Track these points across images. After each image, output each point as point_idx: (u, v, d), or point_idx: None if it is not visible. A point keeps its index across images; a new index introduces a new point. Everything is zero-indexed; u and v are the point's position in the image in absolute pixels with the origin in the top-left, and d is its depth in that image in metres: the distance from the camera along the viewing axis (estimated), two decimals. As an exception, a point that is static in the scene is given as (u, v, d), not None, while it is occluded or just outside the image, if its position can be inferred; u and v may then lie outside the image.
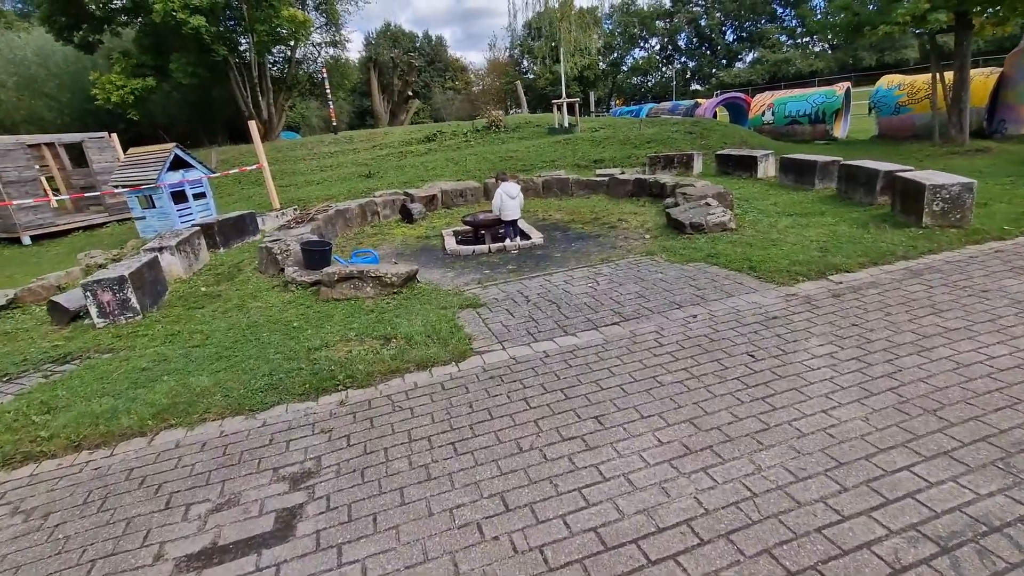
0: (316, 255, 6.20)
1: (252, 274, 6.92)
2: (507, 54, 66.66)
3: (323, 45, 29.78)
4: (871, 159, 8.73)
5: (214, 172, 12.25)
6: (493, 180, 9.88)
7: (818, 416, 2.89)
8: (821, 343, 3.73)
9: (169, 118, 27.34)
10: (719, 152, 11.81)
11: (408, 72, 30.07)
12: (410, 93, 30.30)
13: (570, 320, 4.59)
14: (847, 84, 16.09)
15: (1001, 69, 12.51)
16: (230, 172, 13.35)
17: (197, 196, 10.37)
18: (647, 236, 7.54)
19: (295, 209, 11.52)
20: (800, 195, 8.83)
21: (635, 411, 3.11)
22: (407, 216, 10.37)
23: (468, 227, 8.51)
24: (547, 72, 55.98)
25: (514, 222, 8.14)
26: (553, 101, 17.73)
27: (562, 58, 18.13)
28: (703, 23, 63.65)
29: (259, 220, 10.07)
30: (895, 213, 6.65)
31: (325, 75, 24.01)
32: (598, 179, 11.45)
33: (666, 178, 9.97)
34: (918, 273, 4.87)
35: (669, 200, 8.92)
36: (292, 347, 4.43)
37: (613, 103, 61.47)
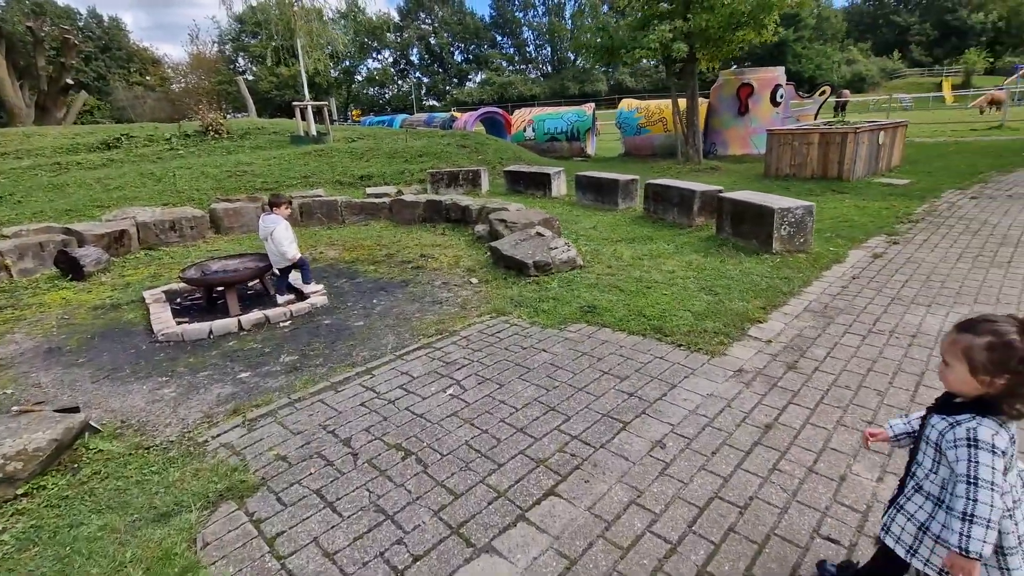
0: None
1: None
2: (215, 49, 56.91)
3: None
4: (669, 178, 8.68)
5: None
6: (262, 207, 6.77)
7: None
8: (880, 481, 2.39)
9: None
10: (508, 168, 10.75)
11: (65, 52, 21.69)
12: (69, 81, 21.94)
13: (462, 499, 2.35)
14: (592, 105, 17.30)
15: (708, 100, 14.76)
16: None
17: None
18: (474, 280, 5.67)
19: None
20: (609, 216, 8.20)
21: None
22: (72, 269, 6.29)
23: (194, 285, 5.27)
24: (271, 73, 49.64)
25: (284, 272, 5.26)
26: (295, 104, 14.45)
27: (300, 53, 14.94)
28: (433, 42, 65.58)
29: None
30: (726, 236, 6.27)
31: None
32: (376, 200, 9.11)
33: (467, 200, 8.28)
34: (826, 316, 4.16)
35: (481, 228, 7.24)
36: None
37: (350, 113, 58.44)
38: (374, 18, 62.93)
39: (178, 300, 5.36)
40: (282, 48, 16.65)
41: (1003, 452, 1.29)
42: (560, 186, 10.03)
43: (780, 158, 10.63)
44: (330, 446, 2.80)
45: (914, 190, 8.83)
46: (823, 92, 14.42)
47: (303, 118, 14.35)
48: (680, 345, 3.73)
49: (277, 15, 17.48)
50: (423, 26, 66.56)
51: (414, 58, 67.62)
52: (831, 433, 2.70)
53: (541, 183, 10.03)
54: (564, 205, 9.26)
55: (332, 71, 58.54)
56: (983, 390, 1.32)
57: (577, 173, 9.52)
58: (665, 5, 12.08)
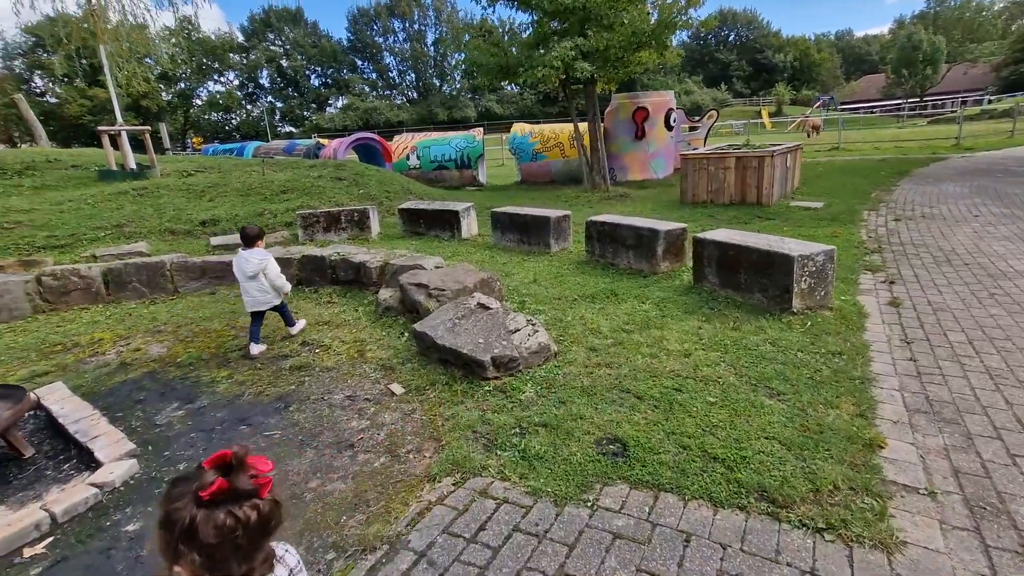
0: None
1: None
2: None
3: None
4: (581, 207, 7.40)
5: None
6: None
7: None
8: None
9: None
10: (403, 206, 8.73)
11: None
12: None
13: None
14: (481, 130, 15.91)
15: (604, 124, 14.12)
16: None
17: None
18: (398, 389, 3.70)
19: None
20: (543, 262, 6.63)
21: None
22: None
23: None
24: (81, 95, 41.69)
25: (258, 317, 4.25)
26: (100, 129, 10.98)
27: (106, 62, 11.50)
28: (285, 64, 60.51)
29: None
30: (711, 287, 5.00)
31: None
32: (226, 258, 6.58)
33: (361, 253, 6.16)
34: (945, 419, 2.90)
35: (387, 295, 5.21)
36: None
37: (190, 141, 51.34)
38: (213, 37, 56.45)
39: None
40: (79, 58, 12.93)
41: None
42: (471, 225, 8.29)
43: (697, 184, 10.01)
44: None
45: (836, 213, 8.54)
46: (711, 116, 14.64)
47: (115, 147, 10.93)
48: (820, 530, 2.15)
49: (76, 18, 13.78)
50: (272, 47, 61.20)
51: (264, 81, 61.73)
52: None
53: (447, 222, 8.19)
54: (481, 249, 7.52)
55: (164, 93, 51.09)
56: None
57: (493, 209, 7.85)
58: (556, 24, 11.13)
